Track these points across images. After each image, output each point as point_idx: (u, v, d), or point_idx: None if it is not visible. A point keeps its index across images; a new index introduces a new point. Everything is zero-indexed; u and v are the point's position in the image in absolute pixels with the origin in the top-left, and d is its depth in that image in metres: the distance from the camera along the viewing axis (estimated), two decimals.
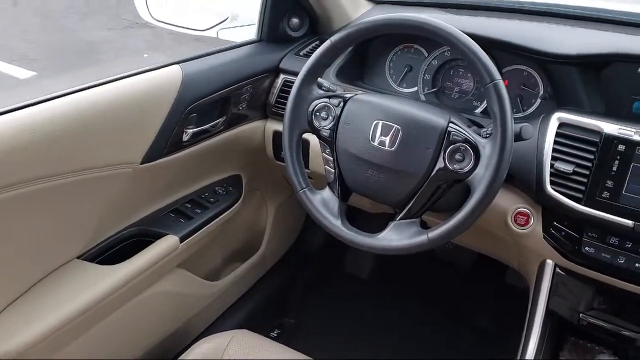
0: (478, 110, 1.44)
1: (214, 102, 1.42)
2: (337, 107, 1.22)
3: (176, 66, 1.33)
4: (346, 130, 1.20)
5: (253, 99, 1.53)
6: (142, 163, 1.28)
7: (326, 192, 1.25)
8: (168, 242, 1.38)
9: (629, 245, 1.15)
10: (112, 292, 1.26)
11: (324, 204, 1.23)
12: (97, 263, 1.30)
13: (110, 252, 1.35)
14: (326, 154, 1.25)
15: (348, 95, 1.23)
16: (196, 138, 1.41)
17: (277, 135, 1.57)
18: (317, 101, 1.23)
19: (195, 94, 1.35)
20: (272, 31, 1.59)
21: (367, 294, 2.15)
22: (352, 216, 1.77)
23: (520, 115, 1.39)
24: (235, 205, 1.60)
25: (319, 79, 1.27)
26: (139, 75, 1.26)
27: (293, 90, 1.24)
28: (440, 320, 2.02)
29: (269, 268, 2.00)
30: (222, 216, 1.54)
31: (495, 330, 1.79)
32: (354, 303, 2.10)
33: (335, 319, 2.03)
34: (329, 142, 1.23)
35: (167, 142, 1.32)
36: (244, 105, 1.51)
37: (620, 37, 1.36)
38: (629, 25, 1.40)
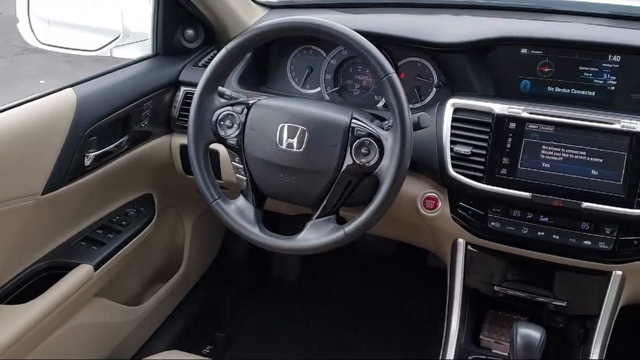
0: (380, 105, 1.48)
1: (114, 122, 1.38)
2: (241, 114, 1.22)
3: (69, 90, 1.28)
4: (253, 136, 1.21)
5: (155, 115, 1.50)
6: (43, 194, 1.22)
7: (240, 201, 1.24)
8: (81, 272, 1.33)
9: (530, 216, 1.23)
10: (27, 331, 1.19)
11: (240, 212, 1.23)
12: (6, 304, 1.22)
13: (20, 290, 1.28)
14: (236, 162, 1.25)
15: (251, 101, 1.23)
16: (99, 161, 1.36)
17: (184, 149, 1.54)
18: (220, 110, 1.23)
19: (93, 116, 1.30)
20: (167, 44, 1.56)
21: (298, 296, 2.16)
22: (273, 221, 1.78)
23: (419, 104, 1.45)
24: (149, 225, 1.56)
25: (220, 88, 1.26)
26: (30, 103, 1.21)
27: (194, 102, 1.22)
28: (372, 312, 2.06)
29: (193, 284, 1.96)
30: (136, 238, 1.49)
31: (425, 313, 1.84)
32: (285, 307, 2.10)
33: (268, 326, 2.03)
34: (237, 150, 1.23)
35: (68, 169, 1.26)
36: (146, 122, 1.47)
37: (503, 21, 1.45)
38: (512, 10, 1.50)
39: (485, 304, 1.47)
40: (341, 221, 1.20)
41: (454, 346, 1.33)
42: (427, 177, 1.33)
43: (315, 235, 1.17)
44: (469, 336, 1.38)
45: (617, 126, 1.15)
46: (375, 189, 1.14)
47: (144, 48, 1.60)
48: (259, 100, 1.23)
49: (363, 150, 1.15)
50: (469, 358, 1.31)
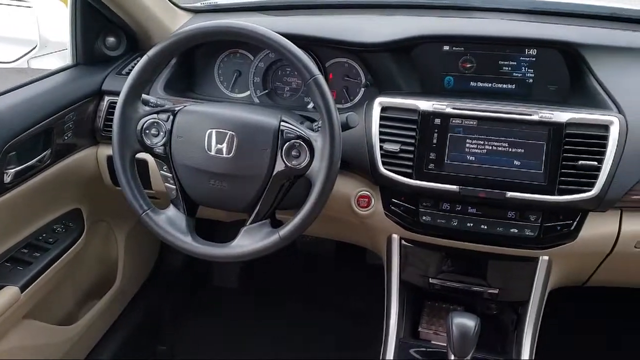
0: (310, 106, 1.48)
1: (34, 136, 1.32)
2: (166, 121, 1.19)
3: None
4: (180, 143, 1.18)
5: (79, 126, 1.45)
6: None
7: (171, 210, 1.22)
8: (7, 294, 1.27)
9: (459, 208, 1.26)
10: None
11: (171, 222, 1.20)
12: None
13: None
14: (164, 171, 1.23)
15: (177, 108, 1.21)
16: (21, 177, 1.30)
17: (110, 160, 1.49)
18: (144, 119, 1.20)
19: (10, 131, 1.24)
20: (88, 53, 1.51)
21: (239, 302, 2.14)
22: (210, 229, 1.76)
23: (348, 104, 1.47)
24: (79, 241, 1.50)
25: (145, 96, 1.23)
26: None
27: (117, 112, 1.19)
28: (315, 312, 2.07)
29: (130, 298, 1.91)
30: (65, 255, 1.44)
31: (365, 311, 1.86)
32: (227, 314, 2.08)
33: (210, 335, 2.00)
34: (164, 158, 1.20)
35: None
36: (69, 135, 1.42)
37: (424, 20, 1.49)
38: (434, 9, 1.54)
39: (423, 296, 1.50)
40: (277, 225, 1.20)
41: (394, 341, 1.35)
42: (359, 176, 1.35)
43: (250, 241, 1.16)
44: (409, 330, 1.40)
45: (535, 117, 1.19)
46: (309, 191, 1.14)
47: (64, 58, 1.55)
48: (185, 106, 1.21)
49: (293, 153, 1.15)
50: (410, 351, 1.33)
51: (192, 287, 2.18)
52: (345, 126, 1.16)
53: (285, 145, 1.15)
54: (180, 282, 2.14)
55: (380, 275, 1.46)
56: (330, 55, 1.47)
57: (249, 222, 1.18)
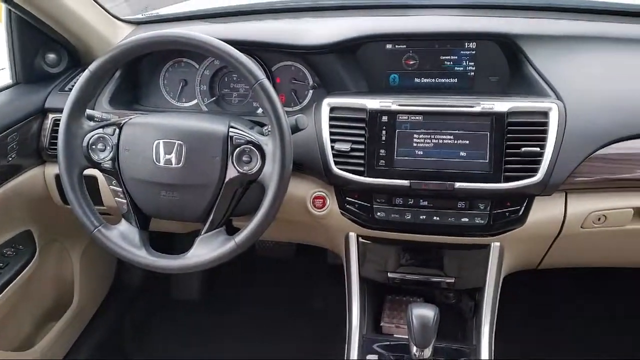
0: (260, 111, 1.49)
1: None
2: (112, 135, 1.18)
3: None
4: (127, 156, 1.17)
5: (23, 146, 1.41)
6: None
7: (123, 225, 1.20)
8: None
9: (411, 202, 1.29)
10: None
11: (124, 237, 1.19)
12: None
13: None
14: (113, 185, 1.21)
15: (122, 121, 1.20)
16: None
17: (58, 179, 1.46)
18: (90, 134, 1.18)
19: None
20: (27, 71, 1.47)
21: (202, 313, 2.12)
22: (168, 241, 1.74)
23: (298, 107, 1.48)
24: (31, 263, 1.46)
25: (89, 111, 1.21)
26: None
27: (61, 129, 1.17)
28: (279, 315, 2.07)
29: (89, 318, 1.87)
30: (17, 279, 1.40)
31: (330, 310, 1.88)
32: (190, 327, 2.06)
33: (173, 350, 1.98)
34: (113, 173, 1.19)
35: None
36: (13, 156, 1.38)
37: (366, 20, 1.51)
38: (376, 9, 1.56)
39: (384, 291, 1.53)
40: (233, 232, 1.19)
41: (357, 337, 1.36)
42: (313, 177, 1.36)
43: (205, 250, 1.16)
44: (371, 325, 1.42)
45: (477, 109, 1.23)
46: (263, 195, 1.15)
47: (3, 77, 1.50)
48: (130, 119, 1.20)
49: (244, 158, 1.15)
50: (373, 346, 1.35)
51: (152, 302, 2.14)
52: (295, 128, 1.17)
53: (236, 151, 1.15)
54: (140, 297, 2.11)
55: (341, 274, 1.48)
56: (276, 60, 1.48)
57: (204, 231, 1.17)
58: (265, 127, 1.19)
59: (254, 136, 1.16)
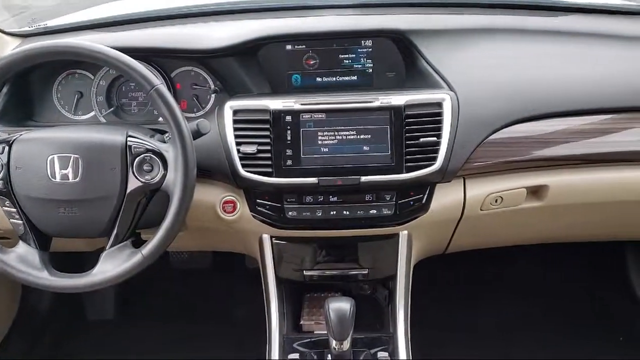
0: (161, 119, 1.45)
1: None
2: (2, 154, 1.12)
3: None
4: (20, 175, 1.11)
5: None
6: None
7: (21, 247, 1.15)
8: None
9: (321, 199, 1.30)
10: None
11: (22, 260, 1.13)
12: None
13: None
14: (7, 206, 1.14)
15: (12, 138, 1.13)
16: None
17: None
18: None
19: None
20: None
21: (118, 333, 2.04)
22: (76, 261, 1.66)
23: (201, 112, 1.45)
24: None
25: None
26: None
27: None
28: (199, 326, 2.02)
29: None
30: None
31: (250, 314, 1.86)
32: (107, 348, 1.97)
33: None
34: (5, 193, 1.13)
35: None
36: None
37: (264, 22, 1.51)
38: (273, 11, 1.57)
39: (302, 290, 1.54)
40: (140, 244, 1.16)
41: (278, 338, 1.36)
42: (221, 181, 1.34)
43: (112, 265, 1.12)
44: (291, 325, 1.43)
45: (376, 103, 1.27)
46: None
47: None
48: (20, 135, 1.14)
49: (145, 167, 1.13)
50: (293, 346, 1.36)
51: (65, 324, 2.04)
52: (197, 133, 1.16)
53: (136, 160, 1.12)
54: (52, 321, 2.00)
55: (259, 278, 1.47)
56: (175, 66, 1.45)
57: (109, 245, 1.14)
58: (166, 134, 1.16)
59: (154, 144, 1.13)
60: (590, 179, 1.37)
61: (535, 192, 1.39)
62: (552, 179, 1.36)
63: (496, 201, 1.36)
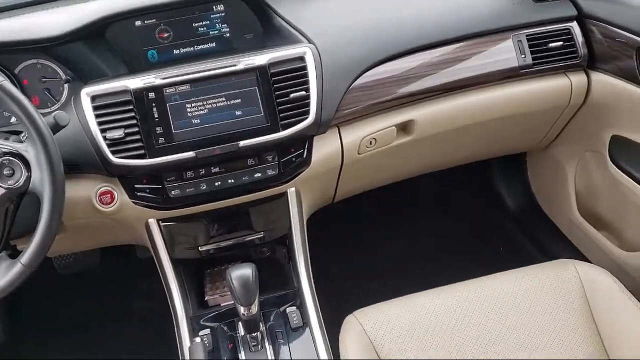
0: (13, 119, 1.34)
1: None
2: None
3: None
4: None
5: None
6: None
7: None
8: None
9: (203, 172, 1.28)
10: None
11: None
12: None
13: None
14: None
15: None
16: None
17: None
18: None
19: None
20: None
21: (12, 354, 1.90)
22: None
23: (57, 106, 1.35)
24: None
25: None
26: None
27: None
28: (102, 329, 1.94)
29: None
30: None
31: (154, 304, 1.81)
32: None
33: None
34: None
35: None
36: None
37: (105, 1, 1.42)
38: None
39: (202, 266, 1.52)
40: (15, 254, 1.08)
41: (185, 320, 1.35)
42: (93, 173, 1.27)
43: None
44: (196, 304, 1.41)
45: (241, 66, 1.25)
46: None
47: None
48: None
49: (6, 172, 1.04)
50: (201, 322, 1.35)
51: None
52: (56, 127, 1.08)
53: None
54: None
55: (154, 265, 1.43)
56: (17, 60, 1.33)
57: None
58: (22, 134, 1.08)
59: (10, 145, 1.05)
60: (452, 106, 1.47)
61: (404, 128, 1.47)
62: (417, 113, 1.44)
63: (370, 143, 1.42)
